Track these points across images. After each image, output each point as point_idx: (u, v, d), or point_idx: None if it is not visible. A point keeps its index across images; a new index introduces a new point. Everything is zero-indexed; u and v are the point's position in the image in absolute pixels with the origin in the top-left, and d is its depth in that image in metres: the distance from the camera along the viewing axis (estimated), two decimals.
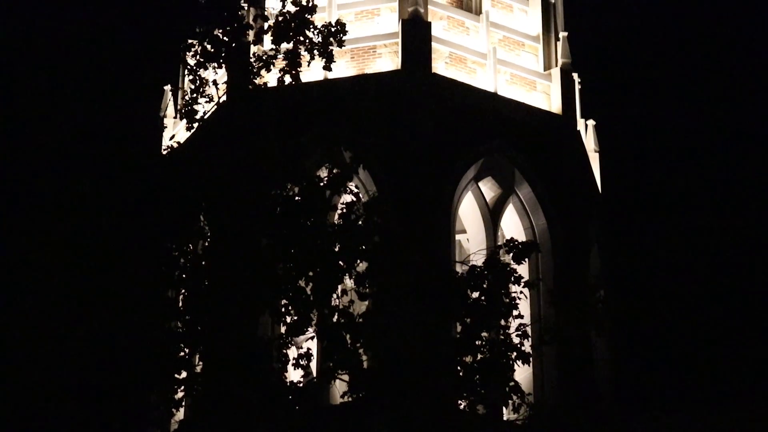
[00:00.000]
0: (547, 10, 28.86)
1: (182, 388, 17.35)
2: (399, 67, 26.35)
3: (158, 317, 17.43)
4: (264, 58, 18.40)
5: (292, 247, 17.52)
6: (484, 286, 18.02)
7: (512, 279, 18.20)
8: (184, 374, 17.40)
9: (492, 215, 26.80)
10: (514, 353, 18.03)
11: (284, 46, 18.42)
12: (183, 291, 17.80)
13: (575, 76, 29.06)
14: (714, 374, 41.27)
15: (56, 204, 17.51)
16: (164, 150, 19.21)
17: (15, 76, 19.20)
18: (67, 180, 17.92)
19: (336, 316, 17.50)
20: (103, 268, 17.33)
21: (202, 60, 18.21)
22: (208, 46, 18.09)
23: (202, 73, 18.49)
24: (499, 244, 24.42)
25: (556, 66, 28.36)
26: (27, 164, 18.31)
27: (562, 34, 28.88)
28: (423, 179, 25.37)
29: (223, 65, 18.41)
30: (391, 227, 18.25)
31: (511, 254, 18.63)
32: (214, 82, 18.67)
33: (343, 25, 18.68)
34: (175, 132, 27.44)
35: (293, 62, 18.40)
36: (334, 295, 17.70)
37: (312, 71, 20.46)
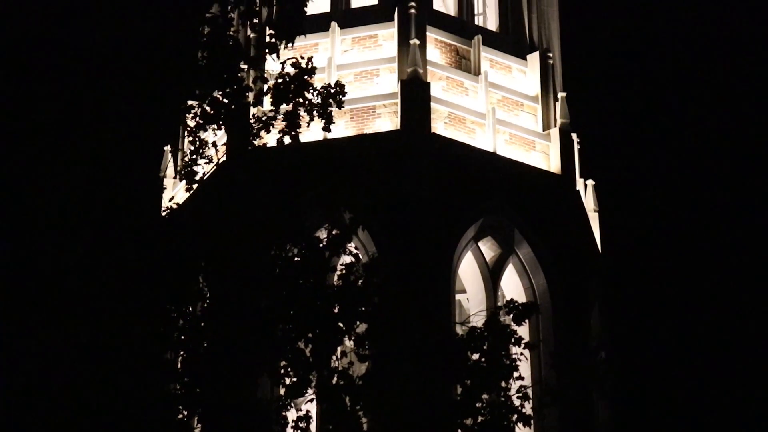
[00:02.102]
0: (545, 70, 28.98)
1: None
2: (398, 127, 26.42)
3: (157, 379, 17.31)
4: (263, 119, 18.42)
5: (291, 309, 17.45)
6: (485, 347, 17.95)
7: (512, 340, 18.13)
8: None
9: (492, 275, 26.74)
10: (515, 415, 17.92)
11: (283, 107, 18.45)
12: (182, 352, 17.70)
13: (574, 136, 29.13)
14: None
15: (54, 266, 17.45)
16: (164, 211, 19.18)
17: (14, 135, 19.23)
18: (66, 242, 17.88)
19: (335, 378, 17.39)
20: (101, 329, 17.24)
21: (201, 122, 18.24)
22: (208, 108, 18.12)
23: (202, 134, 18.51)
24: (500, 304, 24.34)
25: (555, 126, 28.43)
26: (26, 225, 18.28)
27: (561, 95, 28.99)
28: (422, 239, 25.34)
29: (222, 127, 18.43)
30: (390, 288, 18.19)
31: (511, 315, 18.58)
32: (214, 144, 18.69)
33: (342, 86, 18.73)
34: (175, 193, 27.44)
35: (292, 123, 18.43)
36: (334, 357, 17.60)
37: (311, 131, 20.50)
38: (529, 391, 18.60)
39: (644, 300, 45.82)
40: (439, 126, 26.80)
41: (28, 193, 18.64)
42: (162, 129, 18.89)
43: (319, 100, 18.49)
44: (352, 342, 17.75)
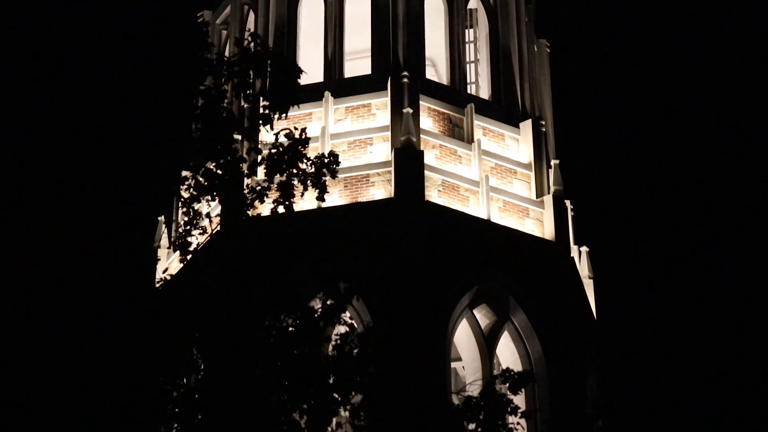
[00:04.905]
0: (538, 138, 29.09)
1: None
2: (392, 195, 26.47)
3: None
4: (257, 189, 18.44)
5: (286, 379, 17.35)
6: (481, 417, 17.84)
7: (509, 410, 18.03)
8: None
9: (487, 342, 26.66)
10: None
11: (277, 177, 18.48)
12: (176, 425, 17.57)
13: (568, 203, 29.19)
14: None
15: (48, 336, 17.40)
16: (158, 282, 19.14)
17: (11, 208, 19.25)
18: (60, 312, 17.85)
19: None
20: (94, 400, 17.15)
21: (195, 193, 18.25)
22: (202, 179, 18.14)
23: (196, 205, 18.52)
24: (495, 372, 24.24)
25: (549, 193, 28.49)
26: (23, 297, 18.26)
27: (554, 162, 29.08)
28: (417, 307, 25.28)
29: (216, 197, 18.43)
30: (386, 358, 18.10)
31: (507, 384, 18.50)
32: (208, 215, 18.70)
33: (336, 156, 18.77)
34: (169, 264, 27.40)
35: (286, 193, 18.45)
36: (329, 428, 17.48)
37: (305, 201, 20.53)
38: None
39: (640, 367, 45.65)
40: (433, 194, 26.86)
41: (22, 264, 18.62)
42: (156, 200, 18.88)
43: (313, 170, 18.52)
44: (347, 413, 17.64)
